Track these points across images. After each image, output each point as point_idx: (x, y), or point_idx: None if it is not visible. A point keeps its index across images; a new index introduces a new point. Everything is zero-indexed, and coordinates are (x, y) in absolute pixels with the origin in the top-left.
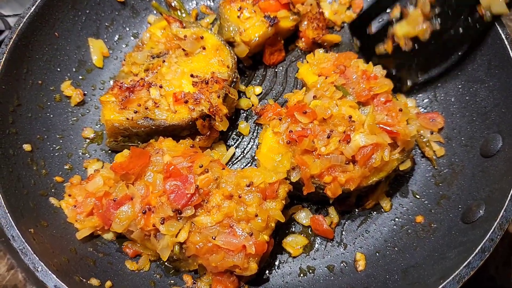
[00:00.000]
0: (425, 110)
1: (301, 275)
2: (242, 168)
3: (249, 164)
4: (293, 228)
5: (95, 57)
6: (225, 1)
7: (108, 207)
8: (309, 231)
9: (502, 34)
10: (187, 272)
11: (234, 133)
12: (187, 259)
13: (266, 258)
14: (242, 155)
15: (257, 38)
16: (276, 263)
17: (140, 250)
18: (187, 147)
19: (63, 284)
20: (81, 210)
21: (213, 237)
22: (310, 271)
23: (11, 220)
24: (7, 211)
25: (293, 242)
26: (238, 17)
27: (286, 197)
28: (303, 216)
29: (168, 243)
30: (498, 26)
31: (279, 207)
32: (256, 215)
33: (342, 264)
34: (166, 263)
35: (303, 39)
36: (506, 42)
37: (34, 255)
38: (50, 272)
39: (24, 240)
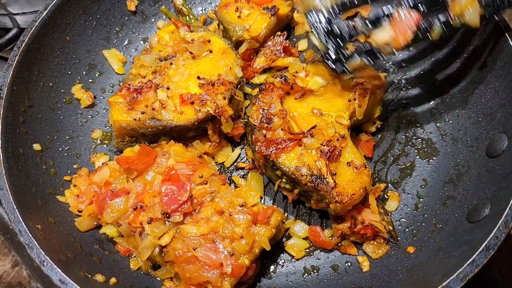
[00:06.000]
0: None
1: (305, 274)
2: (247, 171)
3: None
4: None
5: (115, 66)
6: (219, 7)
7: (105, 196)
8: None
9: (507, 35)
10: (168, 279)
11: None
12: (165, 264)
13: (247, 283)
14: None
15: (265, 30)
16: (280, 262)
17: (131, 248)
18: (194, 156)
19: (68, 278)
20: (83, 200)
21: (194, 248)
22: (315, 270)
23: (18, 215)
24: (15, 207)
25: (295, 245)
26: (239, 17)
27: (279, 229)
28: (299, 229)
29: (150, 244)
30: (503, 27)
31: (267, 235)
32: (242, 237)
33: (346, 264)
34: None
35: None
36: (511, 43)
37: (40, 249)
38: (55, 266)
39: (31, 235)
